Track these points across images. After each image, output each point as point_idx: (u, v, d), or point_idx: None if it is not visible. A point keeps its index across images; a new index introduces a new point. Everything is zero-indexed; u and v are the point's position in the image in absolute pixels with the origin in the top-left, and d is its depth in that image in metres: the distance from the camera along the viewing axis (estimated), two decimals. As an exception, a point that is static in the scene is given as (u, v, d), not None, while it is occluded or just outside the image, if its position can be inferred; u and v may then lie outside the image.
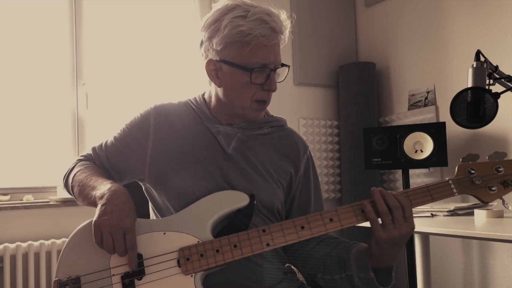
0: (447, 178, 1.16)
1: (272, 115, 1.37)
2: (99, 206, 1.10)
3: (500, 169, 1.15)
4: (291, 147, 1.33)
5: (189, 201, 1.20)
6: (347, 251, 1.19)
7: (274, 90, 1.23)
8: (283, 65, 1.24)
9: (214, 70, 1.23)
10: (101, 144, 1.34)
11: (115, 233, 1.07)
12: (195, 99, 1.35)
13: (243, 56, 1.17)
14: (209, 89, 1.32)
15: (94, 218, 1.09)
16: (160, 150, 1.26)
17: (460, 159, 1.18)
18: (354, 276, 1.15)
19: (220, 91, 1.25)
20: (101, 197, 1.11)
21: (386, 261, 1.12)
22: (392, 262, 1.13)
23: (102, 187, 1.15)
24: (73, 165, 1.33)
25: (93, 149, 1.35)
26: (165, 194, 1.25)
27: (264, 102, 1.25)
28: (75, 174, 1.28)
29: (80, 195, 1.24)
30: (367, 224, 1.13)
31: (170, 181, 1.24)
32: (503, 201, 1.16)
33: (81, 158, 1.36)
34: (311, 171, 1.35)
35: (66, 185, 1.33)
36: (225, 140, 1.27)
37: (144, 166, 1.27)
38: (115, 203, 1.09)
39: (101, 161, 1.32)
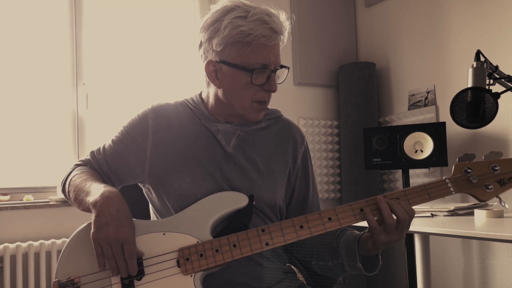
0: (444, 177, 1.17)
1: (267, 108, 1.37)
2: (93, 217, 1.08)
3: (496, 168, 1.16)
4: (289, 139, 1.34)
5: (189, 203, 1.20)
6: (336, 240, 1.23)
7: (274, 91, 1.23)
8: (282, 66, 1.24)
9: (214, 71, 1.22)
10: (99, 148, 1.32)
11: (114, 246, 1.06)
12: (192, 99, 1.34)
13: (243, 57, 1.17)
14: (206, 89, 1.31)
15: (92, 231, 1.07)
16: (160, 152, 1.26)
17: (457, 159, 1.19)
18: (345, 264, 1.20)
19: (219, 92, 1.24)
20: (94, 205, 1.09)
21: (377, 251, 1.16)
22: (381, 250, 1.18)
23: (95, 193, 1.12)
24: (70, 170, 1.31)
25: (91, 153, 1.33)
26: (165, 196, 1.24)
27: (264, 102, 1.25)
28: (71, 179, 1.26)
29: (75, 200, 1.22)
30: (366, 224, 1.14)
31: (171, 183, 1.23)
32: (500, 200, 1.16)
33: (79, 163, 1.34)
34: (308, 161, 1.37)
35: (63, 190, 1.32)
36: (225, 138, 1.27)
37: (143, 168, 1.26)
38: (108, 213, 1.07)
39: (100, 164, 1.30)
